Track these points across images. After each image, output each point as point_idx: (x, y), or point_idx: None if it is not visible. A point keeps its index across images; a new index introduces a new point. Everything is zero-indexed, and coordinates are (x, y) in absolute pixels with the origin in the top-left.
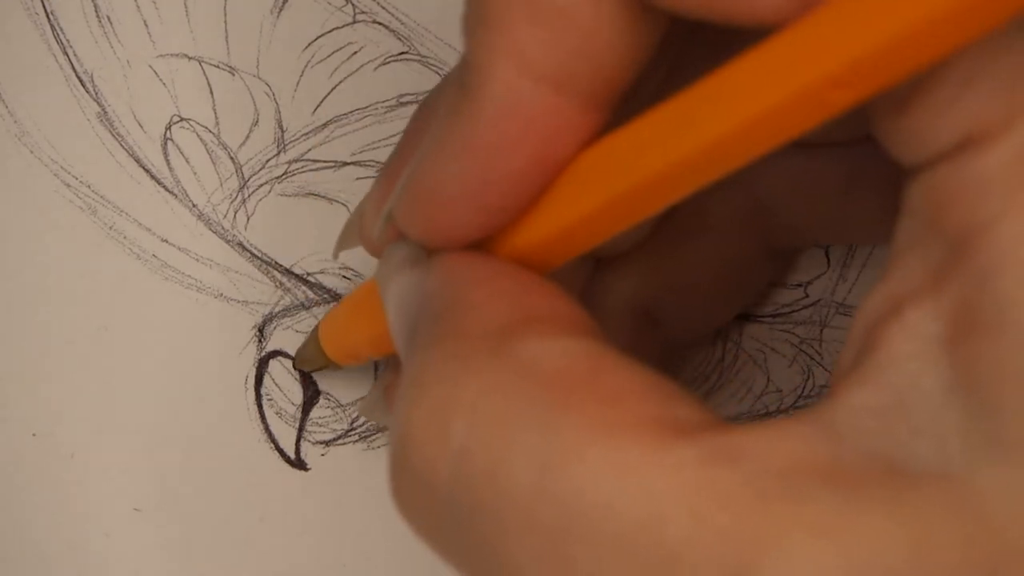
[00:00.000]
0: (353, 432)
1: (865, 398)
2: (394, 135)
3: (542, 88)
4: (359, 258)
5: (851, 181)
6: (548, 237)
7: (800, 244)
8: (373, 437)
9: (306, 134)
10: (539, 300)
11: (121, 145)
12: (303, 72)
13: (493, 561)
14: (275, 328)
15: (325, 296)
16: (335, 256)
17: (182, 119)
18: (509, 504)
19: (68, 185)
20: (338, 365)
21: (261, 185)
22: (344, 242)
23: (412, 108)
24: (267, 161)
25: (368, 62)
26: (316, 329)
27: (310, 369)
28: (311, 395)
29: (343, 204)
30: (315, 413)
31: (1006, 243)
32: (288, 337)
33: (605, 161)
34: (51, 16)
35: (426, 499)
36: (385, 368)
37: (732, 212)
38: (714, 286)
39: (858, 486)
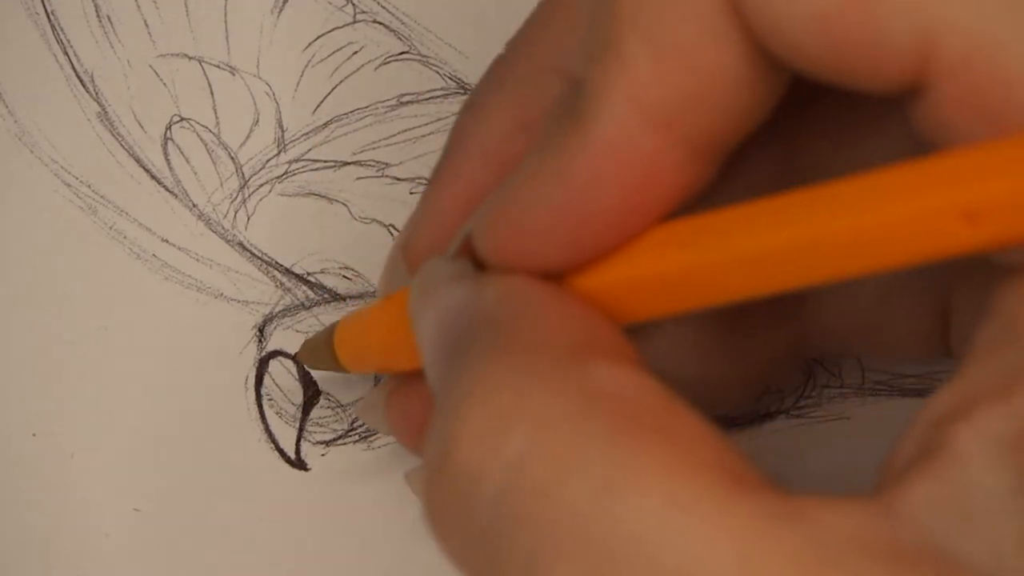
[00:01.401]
0: (353, 432)
1: (927, 491)
2: (394, 135)
3: (651, 129)
4: (360, 258)
5: (888, 289)
6: (618, 289)
7: (833, 351)
8: (373, 437)
9: (306, 134)
10: (607, 332)
11: (121, 145)
12: (303, 72)
13: None
14: (275, 328)
15: (325, 296)
16: (380, 296)
17: (182, 119)
18: (560, 521)
19: (68, 185)
20: (342, 369)
21: (261, 185)
22: (389, 280)
23: (412, 108)
24: (267, 161)
25: (368, 62)
26: (332, 326)
27: (311, 366)
28: (311, 395)
29: (343, 203)
30: (315, 413)
31: None
32: (288, 337)
33: (702, 231)
34: (51, 16)
35: (465, 505)
36: (389, 377)
37: (767, 305)
38: (732, 376)
39: (914, 570)
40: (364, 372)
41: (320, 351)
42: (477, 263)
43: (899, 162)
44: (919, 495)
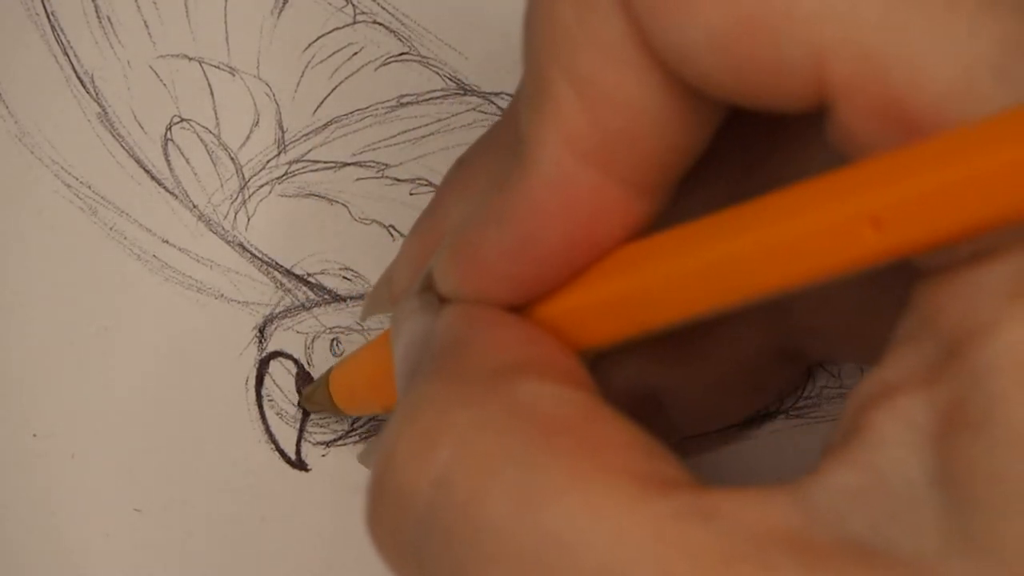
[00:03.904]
0: (353, 433)
1: (847, 478)
2: (394, 135)
3: (587, 168)
4: (359, 259)
5: (870, 295)
6: (572, 316)
7: (818, 356)
8: (374, 438)
9: (306, 135)
10: (542, 349)
11: (121, 145)
12: (303, 72)
13: None
14: (276, 329)
15: (325, 296)
16: (362, 320)
17: (182, 119)
18: (483, 534)
19: (68, 185)
20: (344, 413)
21: (262, 186)
22: (373, 306)
23: (412, 108)
24: (268, 162)
25: (368, 63)
26: (328, 372)
27: (315, 411)
28: None
29: (343, 204)
30: (315, 414)
31: (1004, 347)
32: (289, 338)
33: (636, 259)
34: (51, 17)
35: (400, 522)
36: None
37: (751, 310)
38: (724, 382)
39: (827, 562)
40: (360, 413)
41: (318, 396)
42: (443, 297)
43: (811, 176)
44: (838, 483)
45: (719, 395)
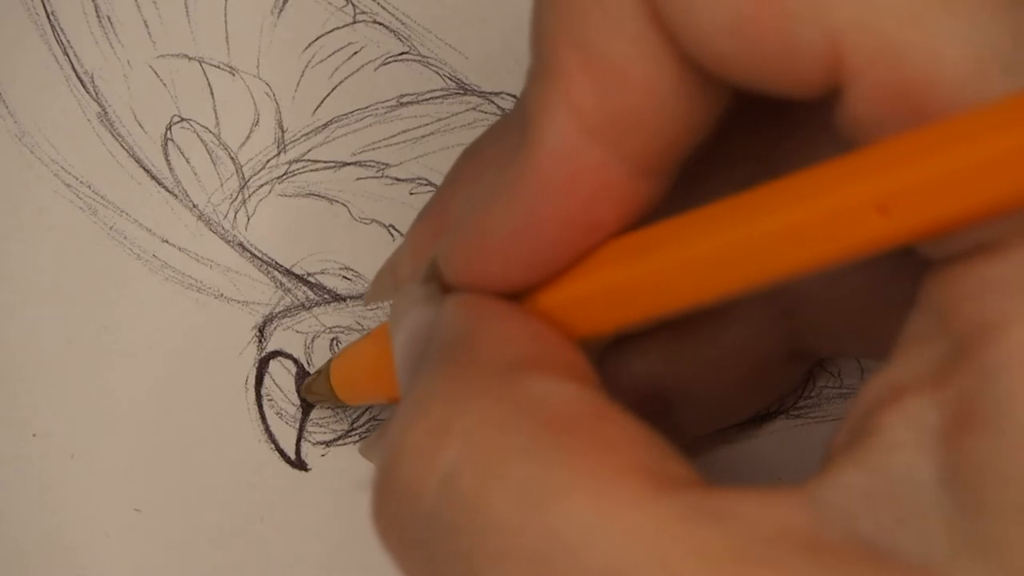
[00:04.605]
0: (353, 432)
1: (856, 480)
2: (394, 135)
3: (592, 143)
4: (360, 259)
5: (877, 289)
6: (573, 304)
7: (826, 352)
8: None
9: (306, 134)
10: (548, 344)
11: (121, 145)
12: (303, 72)
13: None
14: (275, 328)
15: (325, 296)
16: (366, 305)
17: (182, 119)
18: (490, 530)
19: (68, 185)
20: (343, 403)
21: (261, 185)
22: (376, 294)
23: (412, 108)
24: (267, 161)
25: (368, 62)
26: (328, 362)
27: (315, 401)
28: None
29: (343, 204)
30: (315, 413)
31: (1014, 345)
32: (288, 337)
33: (640, 246)
34: (51, 16)
35: (408, 519)
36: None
37: (760, 307)
38: (730, 381)
39: (836, 563)
40: (360, 403)
41: (319, 387)
42: (446, 286)
43: (818, 163)
44: (847, 484)
45: (728, 393)
